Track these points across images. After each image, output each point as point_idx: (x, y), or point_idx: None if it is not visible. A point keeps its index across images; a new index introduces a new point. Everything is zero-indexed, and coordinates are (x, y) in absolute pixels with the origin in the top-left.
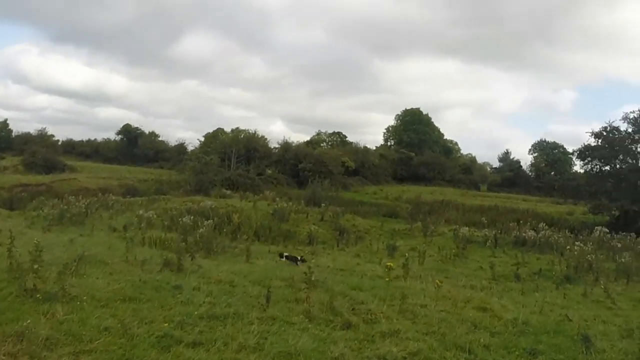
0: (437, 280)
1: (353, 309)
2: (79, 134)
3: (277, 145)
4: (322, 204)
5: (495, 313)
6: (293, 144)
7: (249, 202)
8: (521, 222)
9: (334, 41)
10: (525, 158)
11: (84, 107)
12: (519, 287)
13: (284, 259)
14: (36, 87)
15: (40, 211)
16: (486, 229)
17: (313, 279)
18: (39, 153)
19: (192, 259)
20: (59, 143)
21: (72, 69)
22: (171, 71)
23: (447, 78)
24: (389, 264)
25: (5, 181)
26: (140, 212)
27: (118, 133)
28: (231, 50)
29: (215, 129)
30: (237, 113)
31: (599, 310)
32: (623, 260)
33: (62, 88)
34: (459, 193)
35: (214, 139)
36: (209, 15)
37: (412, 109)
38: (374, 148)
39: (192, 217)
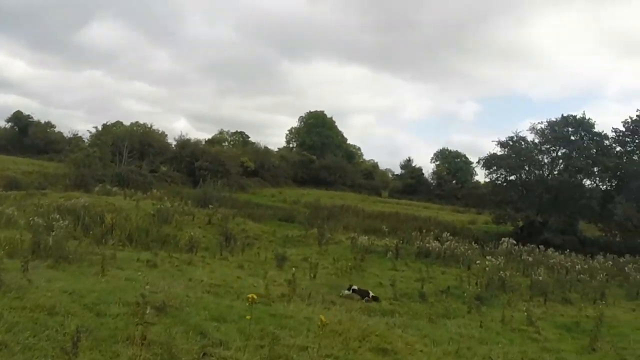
0: (321, 317)
1: (203, 355)
2: None
3: (173, 142)
4: (211, 205)
5: (400, 357)
6: (191, 141)
7: (133, 200)
8: (424, 230)
9: (244, 39)
10: (427, 166)
11: None
12: (425, 311)
13: (350, 291)
14: None
15: None
16: (387, 238)
17: (167, 303)
18: None
19: (24, 271)
20: None
21: None
22: (76, 59)
23: (353, 84)
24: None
25: None
26: None
27: (8, 120)
28: (138, 41)
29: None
30: (141, 107)
31: (523, 343)
32: (539, 277)
33: None
34: (359, 198)
35: (106, 131)
36: (117, 3)
37: (316, 111)
38: (277, 150)
39: (56, 216)
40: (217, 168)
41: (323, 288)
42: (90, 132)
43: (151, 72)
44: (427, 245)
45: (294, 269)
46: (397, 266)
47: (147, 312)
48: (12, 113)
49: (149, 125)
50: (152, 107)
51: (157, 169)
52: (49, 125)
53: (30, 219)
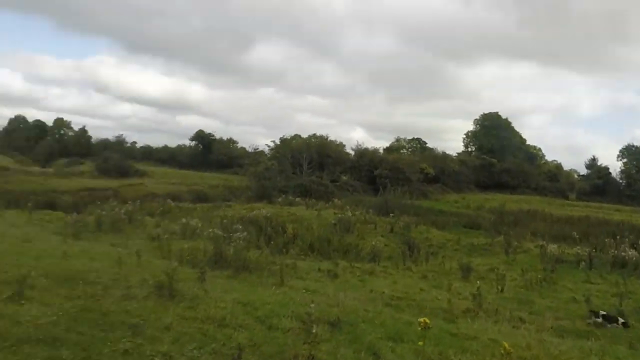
0: (504, 344)
1: None
2: (163, 141)
3: (351, 152)
4: (392, 214)
5: None
6: (369, 150)
7: (315, 210)
8: (618, 237)
9: (405, 47)
10: (613, 164)
11: (166, 116)
12: (625, 336)
13: (600, 319)
14: (118, 96)
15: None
16: (578, 246)
17: (341, 318)
18: (112, 159)
19: (201, 281)
20: (138, 148)
21: (150, 78)
22: (247, 79)
23: (523, 82)
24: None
25: (73, 186)
26: (184, 220)
27: (192, 139)
28: (303, 57)
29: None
30: (316, 120)
31: None
32: None
33: (143, 97)
34: (545, 202)
35: (284, 145)
36: (276, 24)
37: (490, 113)
38: (455, 155)
39: (239, 227)
40: (396, 175)
41: (511, 303)
42: (269, 146)
43: (321, 85)
44: (623, 254)
45: (478, 282)
46: (591, 278)
47: (314, 330)
48: (195, 132)
49: (326, 137)
50: (327, 119)
51: (338, 179)
52: (231, 141)
53: (211, 230)
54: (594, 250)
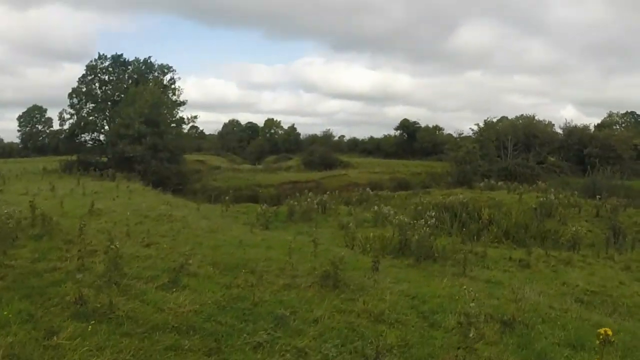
0: None
1: None
2: (371, 133)
3: (559, 131)
4: (599, 196)
5: None
6: (577, 127)
7: (516, 194)
8: None
9: (616, 16)
10: None
11: (374, 108)
12: None
13: None
14: (326, 93)
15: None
16: None
17: (516, 317)
18: (317, 152)
19: (374, 270)
20: (345, 141)
21: (356, 74)
22: (452, 64)
23: None
24: None
25: (276, 179)
26: (375, 207)
27: (396, 129)
28: (509, 35)
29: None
30: (525, 101)
31: None
32: None
33: (350, 92)
34: None
35: (488, 127)
36: (479, 4)
37: None
38: None
39: (431, 214)
40: (607, 154)
41: None
42: (472, 130)
43: (529, 63)
44: None
45: None
46: None
47: (471, 334)
48: (399, 122)
49: (532, 116)
50: (537, 98)
51: (545, 160)
52: (437, 128)
53: (399, 217)
54: None
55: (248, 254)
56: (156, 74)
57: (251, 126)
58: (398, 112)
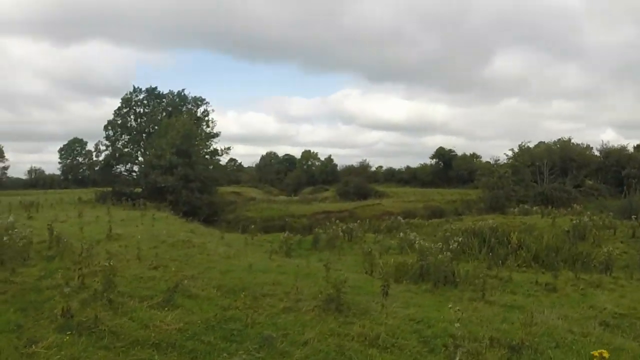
0: None
1: None
2: (410, 163)
3: (596, 153)
4: (634, 216)
5: None
6: (614, 148)
7: (550, 218)
8: None
9: None
10: None
11: (411, 139)
12: None
13: None
14: (363, 124)
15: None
16: None
17: (524, 342)
18: (351, 182)
19: (384, 295)
20: (381, 172)
21: (393, 104)
22: (489, 92)
23: None
24: None
25: (309, 210)
26: (401, 234)
27: (432, 157)
28: (543, 61)
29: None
30: (562, 126)
31: None
32: None
33: (388, 123)
34: None
35: (523, 152)
36: (513, 31)
37: None
38: None
39: (458, 239)
40: None
41: None
42: (507, 155)
43: (565, 88)
44: None
45: None
46: None
47: (457, 358)
48: (435, 150)
49: (568, 139)
50: (574, 123)
51: (582, 184)
52: (474, 156)
53: (421, 242)
54: None
55: (257, 279)
56: (190, 106)
57: (288, 158)
58: (436, 142)
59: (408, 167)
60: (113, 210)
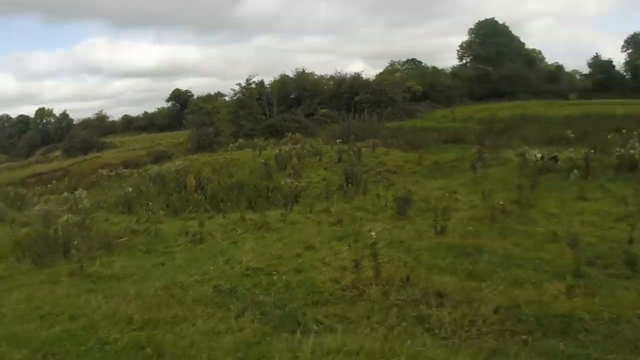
0: None
1: None
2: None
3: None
4: (339, 140)
5: None
6: (347, 77)
7: (256, 151)
8: (624, 131)
9: None
10: (618, 57)
11: (163, 83)
12: None
13: None
14: (111, 74)
15: None
16: (571, 149)
17: None
18: (77, 136)
19: None
20: (118, 121)
21: (142, 51)
22: (240, 32)
23: None
24: None
25: (21, 174)
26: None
27: (168, 100)
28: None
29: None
30: (314, 59)
31: None
32: None
33: (137, 70)
34: (544, 105)
35: (248, 88)
36: None
37: (486, 20)
38: (450, 68)
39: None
40: (379, 98)
41: (445, 256)
42: (233, 91)
43: (316, 24)
44: (632, 151)
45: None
46: (587, 192)
47: None
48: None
49: (302, 70)
50: (325, 56)
51: (315, 112)
52: (220, 94)
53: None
54: (592, 151)
55: None
56: None
57: (22, 119)
58: (187, 85)
59: (146, 113)
60: None
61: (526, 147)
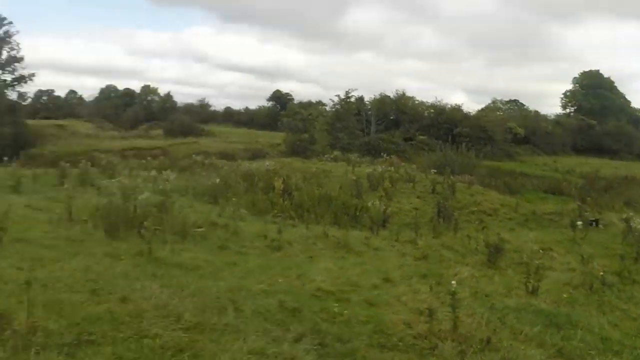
0: None
1: None
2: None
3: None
4: (433, 170)
5: None
6: (447, 107)
7: (350, 166)
8: None
9: (505, 7)
10: None
11: (265, 83)
12: None
13: None
14: (216, 65)
15: None
16: None
17: None
18: (178, 120)
19: None
20: (220, 112)
21: (247, 46)
22: (343, 44)
23: (632, 43)
24: None
25: (120, 146)
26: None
27: (268, 100)
28: (400, 20)
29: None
30: (414, 84)
31: None
32: None
33: (241, 65)
34: None
35: (349, 100)
36: None
37: (590, 71)
38: (553, 116)
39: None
40: (478, 134)
41: (534, 322)
42: (332, 101)
43: (419, 49)
44: None
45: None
46: None
47: None
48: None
49: (403, 92)
50: (426, 83)
51: (413, 137)
52: (320, 103)
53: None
54: None
55: None
56: None
57: (128, 92)
58: (290, 88)
59: (247, 109)
60: None
61: (631, 213)
